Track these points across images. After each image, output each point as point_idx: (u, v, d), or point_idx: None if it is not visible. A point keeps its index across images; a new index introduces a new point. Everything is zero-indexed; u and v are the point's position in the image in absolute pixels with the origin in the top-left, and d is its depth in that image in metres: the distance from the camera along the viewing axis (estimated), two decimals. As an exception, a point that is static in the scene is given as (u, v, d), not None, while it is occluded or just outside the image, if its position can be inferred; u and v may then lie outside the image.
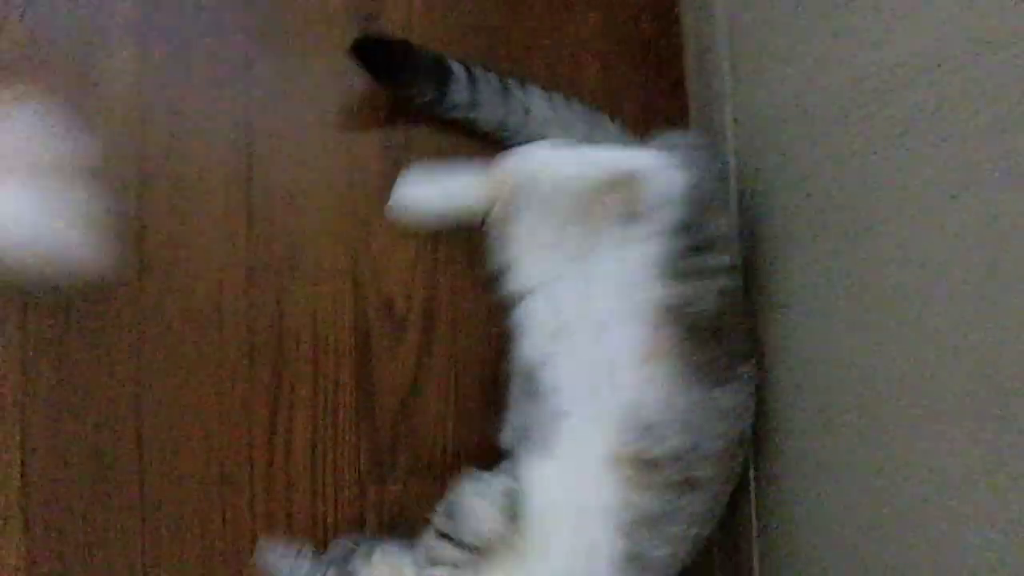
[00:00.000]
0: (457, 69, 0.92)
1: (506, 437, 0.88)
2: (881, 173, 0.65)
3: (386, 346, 0.96)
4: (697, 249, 0.79)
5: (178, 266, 0.93)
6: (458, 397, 0.97)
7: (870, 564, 0.70)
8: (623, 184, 0.80)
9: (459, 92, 0.92)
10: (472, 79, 0.92)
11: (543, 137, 0.91)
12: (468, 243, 0.98)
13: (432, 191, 0.94)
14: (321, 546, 0.92)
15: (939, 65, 0.58)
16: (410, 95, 0.93)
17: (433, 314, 0.97)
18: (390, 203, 0.94)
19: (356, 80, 0.96)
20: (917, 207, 0.61)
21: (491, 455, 0.95)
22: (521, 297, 0.88)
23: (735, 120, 0.92)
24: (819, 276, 0.76)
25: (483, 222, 0.92)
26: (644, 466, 0.79)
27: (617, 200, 0.80)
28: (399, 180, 0.94)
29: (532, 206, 0.86)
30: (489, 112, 0.93)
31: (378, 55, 0.92)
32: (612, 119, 0.96)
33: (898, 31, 0.63)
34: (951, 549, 0.60)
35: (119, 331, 0.91)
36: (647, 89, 1.03)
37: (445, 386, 0.97)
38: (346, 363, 0.95)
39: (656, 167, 0.81)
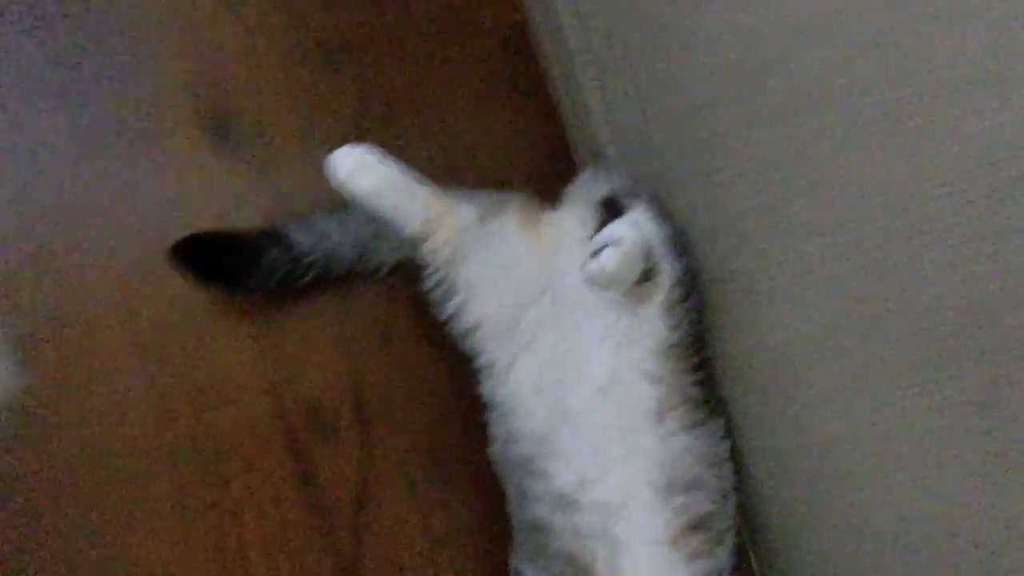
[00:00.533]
0: (285, 225, 0.87)
1: None
2: (767, 146, 0.64)
3: (324, 452, 0.90)
4: (691, 291, 0.75)
5: (83, 421, 0.85)
6: (414, 482, 0.91)
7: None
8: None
9: (303, 238, 0.86)
10: (305, 221, 0.87)
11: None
12: (381, 321, 0.93)
13: (378, 172, 0.78)
14: None
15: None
16: (268, 281, 0.85)
17: (364, 403, 0.92)
18: (328, 158, 0.77)
19: (229, 183, 0.92)
20: (813, 173, 0.60)
21: (462, 536, 0.90)
22: (491, 369, 0.81)
23: (612, 130, 0.91)
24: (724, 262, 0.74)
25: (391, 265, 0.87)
26: (700, 528, 0.73)
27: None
28: (348, 146, 0.78)
29: (487, 252, 0.80)
30: (341, 236, 0.87)
31: (206, 256, 0.85)
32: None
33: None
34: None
35: (35, 497, 0.83)
36: (522, 118, 1.01)
37: (397, 474, 0.91)
38: (285, 482, 0.89)
39: (655, 229, 0.75)
